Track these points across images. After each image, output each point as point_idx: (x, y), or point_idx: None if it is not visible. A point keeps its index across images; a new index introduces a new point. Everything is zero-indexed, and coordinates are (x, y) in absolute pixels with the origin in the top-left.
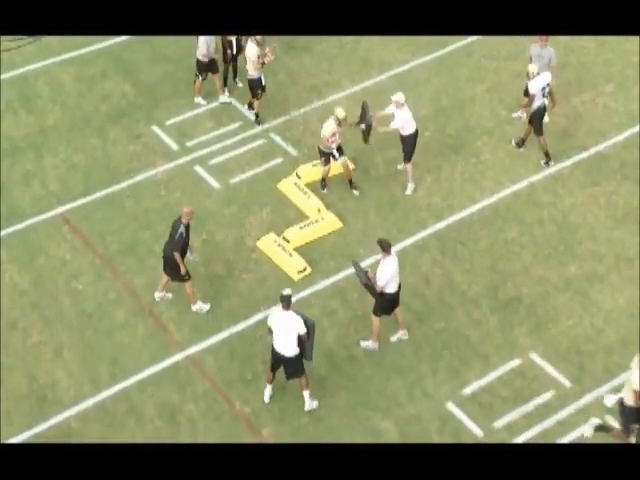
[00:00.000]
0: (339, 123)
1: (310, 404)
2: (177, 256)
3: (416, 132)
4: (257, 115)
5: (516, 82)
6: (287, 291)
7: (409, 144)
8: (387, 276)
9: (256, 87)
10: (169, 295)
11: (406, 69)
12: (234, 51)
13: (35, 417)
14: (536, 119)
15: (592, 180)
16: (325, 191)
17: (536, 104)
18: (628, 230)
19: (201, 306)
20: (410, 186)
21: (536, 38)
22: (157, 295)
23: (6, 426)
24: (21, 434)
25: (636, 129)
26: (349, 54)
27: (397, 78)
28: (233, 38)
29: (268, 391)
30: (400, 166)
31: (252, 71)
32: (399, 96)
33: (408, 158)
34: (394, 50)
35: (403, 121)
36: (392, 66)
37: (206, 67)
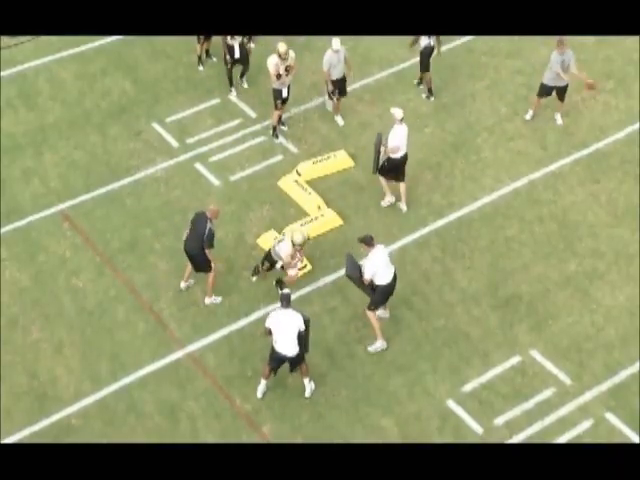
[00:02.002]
0: (295, 245)
1: (310, 389)
2: (210, 253)
3: (405, 156)
4: (274, 128)
5: (516, 79)
6: (286, 290)
7: (391, 164)
8: (373, 269)
9: (275, 97)
10: (192, 281)
11: (406, 66)
12: (235, 55)
13: (35, 414)
14: (423, 57)
15: (592, 177)
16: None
17: (422, 44)
18: (628, 227)
19: (215, 299)
20: (387, 199)
21: (550, 42)
22: (182, 285)
23: (6, 423)
24: (21, 431)
25: (636, 126)
26: (349, 51)
27: (397, 75)
28: (235, 43)
29: (262, 387)
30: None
31: (273, 80)
32: (396, 111)
33: (382, 172)
34: (394, 47)
35: (392, 138)
36: (392, 63)
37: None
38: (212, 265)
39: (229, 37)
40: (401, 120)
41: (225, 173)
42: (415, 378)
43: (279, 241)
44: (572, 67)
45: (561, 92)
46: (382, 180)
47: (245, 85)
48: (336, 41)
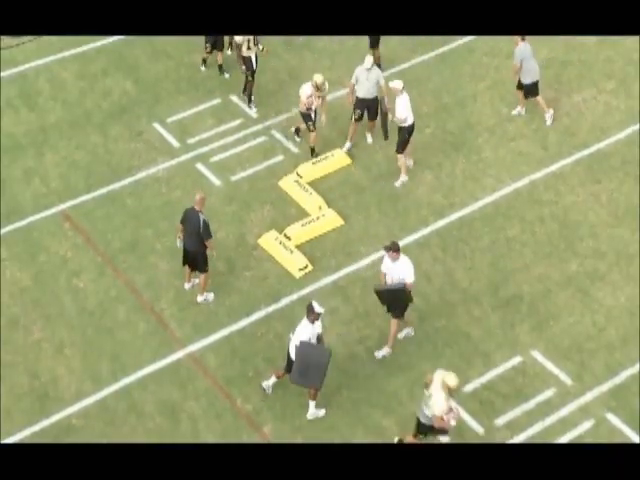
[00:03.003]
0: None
1: (313, 412)
2: (210, 243)
3: (412, 126)
4: (312, 149)
5: (516, 80)
6: (315, 304)
7: (404, 135)
8: (412, 270)
9: (305, 120)
10: (196, 280)
11: (407, 66)
12: (254, 67)
13: (36, 414)
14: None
15: (593, 177)
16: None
17: None
18: (629, 227)
19: (207, 297)
20: (402, 178)
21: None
22: (187, 286)
23: (7, 423)
24: (22, 431)
25: (637, 126)
26: (350, 51)
27: (398, 75)
28: (252, 54)
29: (270, 383)
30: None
31: (301, 106)
32: (396, 83)
33: (399, 148)
34: (395, 47)
35: (401, 109)
36: (393, 63)
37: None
38: (208, 265)
39: (245, 49)
40: (402, 90)
41: (226, 173)
42: (416, 378)
43: (428, 397)
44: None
45: (528, 89)
46: (401, 159)
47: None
48: (368, 59)
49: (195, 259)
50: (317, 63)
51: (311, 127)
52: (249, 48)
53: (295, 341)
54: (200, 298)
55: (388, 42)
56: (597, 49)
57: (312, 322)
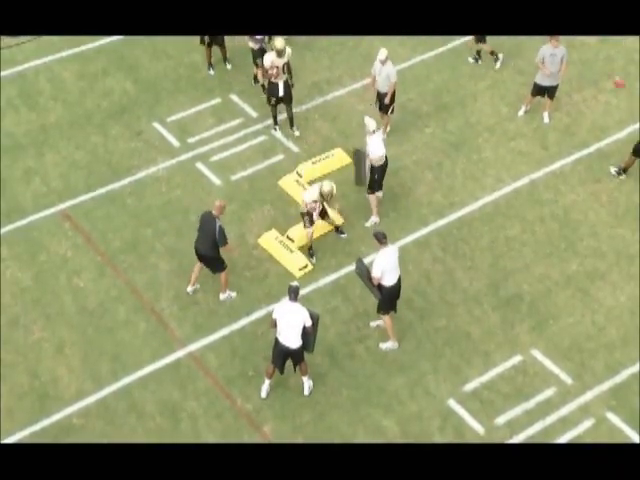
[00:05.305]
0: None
1: (308, 387)
2: (227, 248)
3: (386, 162)
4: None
5: (517, 79)
6: (295, 283)
7: (379, 173)
8: (380, 267)
9: (305, 219)
10: (197, 286)
11: (407, 66)
12: (280, 94)
13: (36, 414)
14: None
15: (593, 177)
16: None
17: None
18: (629, 227)
19: (230, 294)
20: (373, 219)
21: (546, 39)
22: (189, 289)
23: (7, 423)
24: (22, 431)
25: (637, 126)
26: (350, 51)
27: (398, 75)
28: (280, 81)
29: (266, 386)
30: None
31: (303, 206)
32: (370, 122)
33: (373, 188)
34: (395, 46)
35: (377, 148)
36: (394, 63)
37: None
38: (225, 264)
39: (275, 75)
40: (375, 130)
41: (226, 173)
42: (416, 378)
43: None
44: (563, 64)
45: (551, 91)
46: (373, 199)
47: (297, 133)
48: (382, 51)
49: (210, 263)
50: (317, 63)
51: (307, 224)
52: (277, 76)
53: (290, 325)
54: (222, 296)
55: (388, 42)
56: (597, 48)
57: (295, 299)
